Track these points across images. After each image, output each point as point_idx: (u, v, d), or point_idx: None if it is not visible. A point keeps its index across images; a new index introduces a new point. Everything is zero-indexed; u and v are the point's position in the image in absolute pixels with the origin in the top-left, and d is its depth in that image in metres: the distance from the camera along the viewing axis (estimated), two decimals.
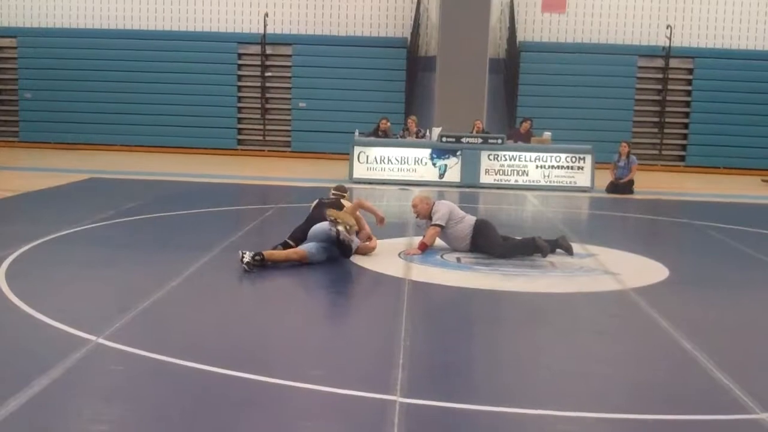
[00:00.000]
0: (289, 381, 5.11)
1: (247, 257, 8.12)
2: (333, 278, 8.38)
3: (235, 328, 6.50)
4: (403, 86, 24.01)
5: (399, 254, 9.32)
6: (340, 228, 8.57)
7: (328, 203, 9.49)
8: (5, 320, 6.37)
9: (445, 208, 9.65)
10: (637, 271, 8.93)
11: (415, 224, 10.34)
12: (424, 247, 9.45)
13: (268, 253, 8.37)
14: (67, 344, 5.64)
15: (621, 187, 17.11)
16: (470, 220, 9.70)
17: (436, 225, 9.52)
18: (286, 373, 5.26)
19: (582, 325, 6.94)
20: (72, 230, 10.17)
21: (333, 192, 10.00)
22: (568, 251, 9.57)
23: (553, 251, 9.52)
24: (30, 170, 17.95)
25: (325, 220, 8.81)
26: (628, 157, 17.41)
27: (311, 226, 8.90)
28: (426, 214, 9.73)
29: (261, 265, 8.18)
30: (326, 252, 8.69)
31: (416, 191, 15.34)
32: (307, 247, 8.63)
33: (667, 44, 23.69)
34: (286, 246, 8.87)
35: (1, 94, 25.21)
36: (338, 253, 8.74)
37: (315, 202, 9.66)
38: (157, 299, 6.98)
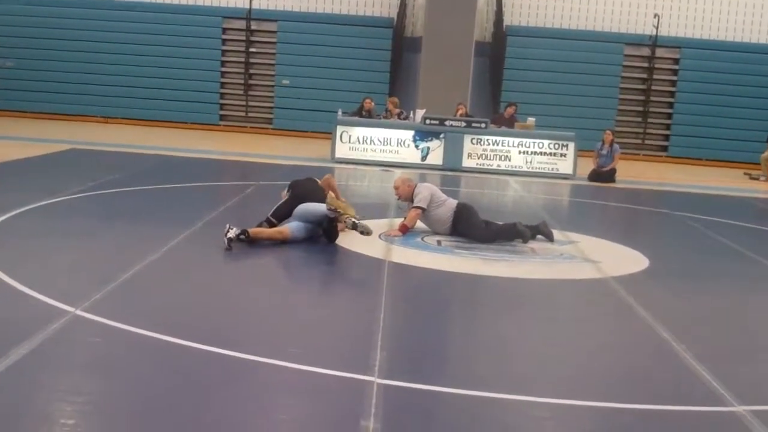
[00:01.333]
0: (267, 358, 5.10)
1: (231, 233, 8.06)
2: (314, 258, 8.35)
3: (214, 304, 6.47)
4: (388, 66, 23.93)
5: (379, 236, 9.30)
6: (347, 220, 8.50)
7: (303, 182, 9.41)
8: None
9: (426, 191, 9.65)
10: (617, 259, 8.96)
11: (396, 206, 10.32)
12: (405, 229, 9.44)
13: (253, 231, 8.33)
14: (44, 315, 5.59)
15: (603, 175, 17.15)
16: (451, 203, 9.71)
17: (417, 207, 9.52)
18: (265, 350, 5.25)
19: (561, 312, 6.97)
20: (51, 201, 10.09)
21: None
22: (549, 237, 9.60)
23: (533, 237, 9.54)
24: (10, 140, 17.76)
25: (312, 200, 8.77)
26: (611, 145, 17.45)
27: (295, 205, 8.85)
28: (408, 196, 9.73)
29: (247, 241, 8.15)
30: (309, 233, 8.66)
31: (398, 173, 15.32)
32: (291, 227, 8.59)
33: (654, 33, 23.71)
34: (270, 224, 8.81)
35: None
36: (322, 235, 8.70)
37: (290, 183, 9.54)
38: (137, 272, 6.94)
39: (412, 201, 9.66)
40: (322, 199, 8.83)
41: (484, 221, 9.66)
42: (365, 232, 8.48)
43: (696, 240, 10.92)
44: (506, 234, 9.47)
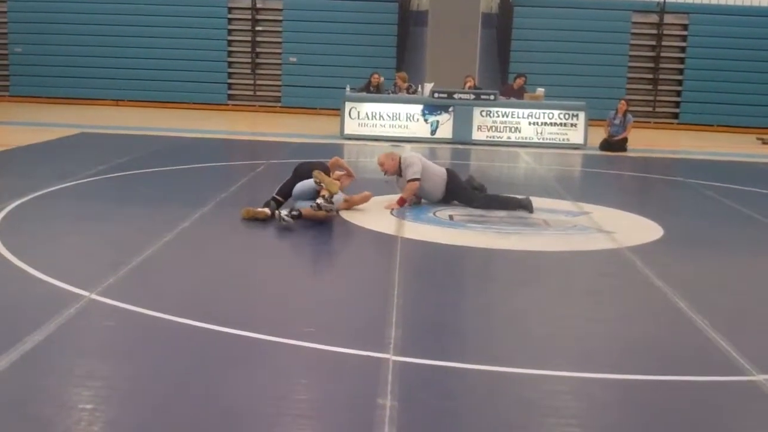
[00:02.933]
0: (282, 338, 5.10)
1: (284, 213, 8.15)
2: (326, 235, 8.33)
3: (228, 285, 6.47)
4: (394, 41, 23.77)
5: (391, 211, 9.28)
6: (324, 193, 8.48)
7: (308, 162, 9.40)
8: None
9: (418, 162, 9.73)
10: (631, 229, 8.91)
11: (383, 182, 10.23)
12: (403, 202, 9.52)
13: (305, 211, 8.39)
14: (59, 300, 5.60)
15: (614, 144, 17.04)
16: (441, 170, 9.88)
17: (414, 180, 9.57)
18: (279, 330, 5.25)
19: (576, 284, 6.94)
20: (63, 185, 10.10)
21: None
22: (528, 209, 9.60)
23: (515, 209, 9.62)
24: (21, 125, 17.80)
25: (309, 177, 8.77)
26: (624, 115, 17.30)
27: (297, 182, 8.87)
28: (394, 170, 9.78)
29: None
30: None
31: (408, 148, 15.29)
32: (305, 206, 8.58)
33: (662, 0, 23.50)
34: (276, 201, 8.78)
35: None
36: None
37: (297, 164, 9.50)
38: (150, 255, 6.94)
39: (400, 174, 9.73)
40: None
41: (474, 185, 9.99)
42: (324, 208, 8.50)
43: (710, 207, 10.86)
44: (504, 204, 9.67)
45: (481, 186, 10.11)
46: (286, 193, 8.96)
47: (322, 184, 8.56)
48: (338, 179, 9.21)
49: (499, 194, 10.06)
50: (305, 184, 8.80)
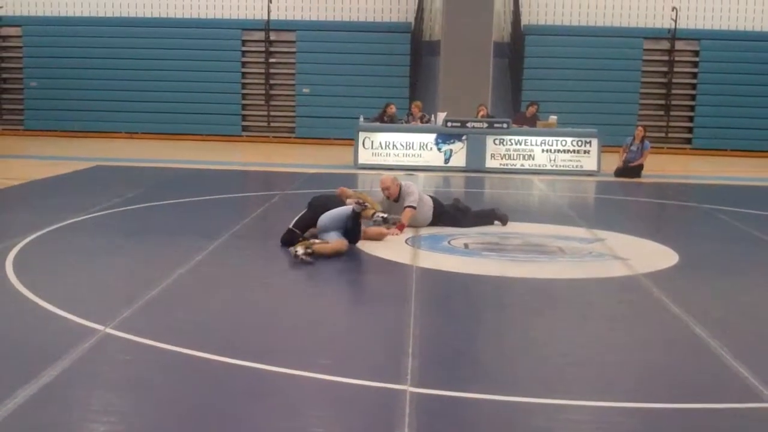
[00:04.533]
0: (298, 370, 5.07)
1: (300, 251, 8.12)
2: (340, 265, 8.31)
3: (243, 317, 6.47)
4: (407, 71, 23.92)
5: (406, 240, 9.28)
6: (376, 217, 8.88)
7: (321, 195, 9.43)
8: (13, 310, 6.35)
9: (416, 191, 10.23)
10: (647, 255, 8.88)
11: (376, 219, 10.17)
12: (403, 228, 9.70)
13: (316, 247, 8.33)
14: (75, 334, 5.61)
15: (630, 170, 16.99)
16: (429, 199, 10.40)
17: (412, 207, 9.94)
18: (295, 362, 5.22)
19: (592, 312, 6.90)
20: (78, 219, 10.14)
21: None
22: (503, 221, 10.47)
23: (491, 222, 10.42)
24: (35, 158, 17.92)
25: (331, 208, 8.76)
26: (642, 141, 17.26)
27: (316, 215, 8.83)
28: (396, 194, 10.10)
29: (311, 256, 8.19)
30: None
31: (422, 177, 15.31)
32: (334, 237, 8.57)
33: (673, 26, 23.56)
34: (293, 234, 8.75)
35: (6, 82, 25.21)
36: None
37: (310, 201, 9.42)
38: (165, 288, 6.95)
39: (396, 200, 10.09)
40: (340, 206, 8.85)
41: (458, 207, 10.62)
42: (393, 221, 9.05)
43: (725, 232, 10.81)
44: (485, 219, 10.46)
45: (466, 208, 10.63)
46: (304, 226, 8.86)
47: (366, 204, 8.73)
48: (387, 188, 9.97)
49: (480, 210, 10.79)
50: (334, 215, 8.71)
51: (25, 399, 4.49)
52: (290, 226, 8.87)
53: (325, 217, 8.72)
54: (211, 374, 5.09)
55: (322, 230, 8.67)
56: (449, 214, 10.37)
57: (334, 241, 8.48)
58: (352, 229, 8.66)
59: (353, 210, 8.58)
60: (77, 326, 5.82)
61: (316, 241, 8.44)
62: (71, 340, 5.46)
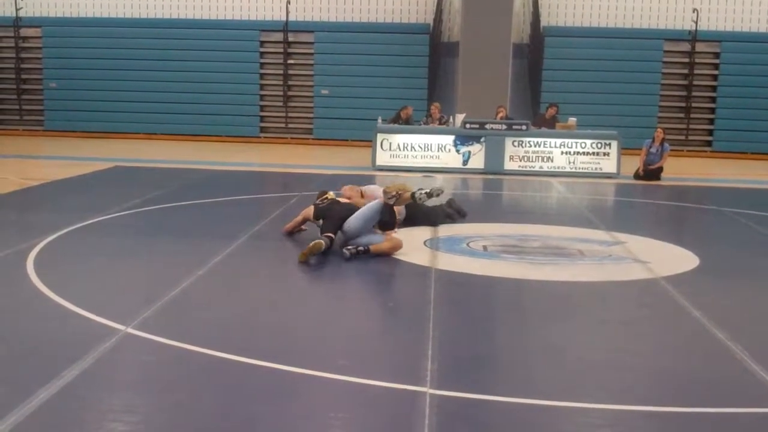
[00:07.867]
0: (317, 371, 5.08)
1: (352, 249, 8.30)
2: (359, 267, 8.30)
3: (263, 318, 6.48)
4: (425, 72, 23.89)
5: (424, 242, 9.27)
6: (418, 194, 8.79)
7: (329, 207, 9.06)
8: (34, 310, 6.38)
9: (375, 188, 10.39)
10: (667, 259, 8.84)
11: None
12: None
13: (373, 247, 8.46)
14: (96, 334, 5.63)
15: (649, 173, 16.91)
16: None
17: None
18: (314, 363, 5.23)
19: (612, 315, 6.87)
20: (98, 219, 10.18)
21: (321, 199, 9.35)
22: (461, 214, 10.79)
23: (451, 216, 10.68)
24: (55, 159, 18.01)
25: (342, 215, 8.71)
26: (662, 144, 17.17)
27: (337, 220, 8.66)
28: (362, 201, 10.02)
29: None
30: None
31: (440, 178, 15.29)
32: (378, 238, 8.64)
33: (693, 28, 23.45)
34: (331, 240, 8.42)
35: (26, 83, 25.33)
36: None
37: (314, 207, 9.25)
38: (185, 288, 6.97)
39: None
40: (346, 211, 8.80)
41: (452, 206, 10.90)
42: (437, 193, 8.98)
43: (745, 236, 10.75)
44: (441, 214, 10.62)
45: (460, 209, 10.90)
46: (333, 229, 8.62)
47: (398, 193, 8.70)
48: (350, 198, 9.65)
49: (447, 207, 10.89)
50: (363, 215, 8.63)
51: (45, 398, 4.51)
52: (322, 233, 8.53)
53: (356, 221, 8.62)
54: (231, 374, 5.10)
55: (355, 234, 8.57)
56: (423, 213, 10.31)
57: (388, 239, 8.67)
58: (388, 222, 8.72)
59: (385, 204, 8.57)
60: (98, 326, 5.85)
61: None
62: (92, 340, 5.48)
